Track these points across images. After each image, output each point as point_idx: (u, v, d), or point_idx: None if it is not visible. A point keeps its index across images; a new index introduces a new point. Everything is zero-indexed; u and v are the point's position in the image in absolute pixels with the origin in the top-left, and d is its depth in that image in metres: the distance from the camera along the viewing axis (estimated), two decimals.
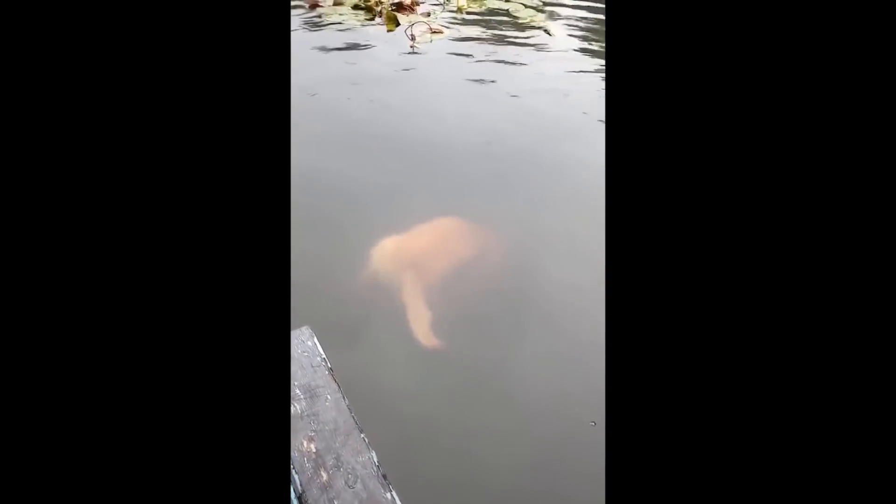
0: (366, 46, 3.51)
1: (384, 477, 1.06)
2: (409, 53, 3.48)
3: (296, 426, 1.14)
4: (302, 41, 3.50)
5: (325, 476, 1.06)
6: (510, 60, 3.51)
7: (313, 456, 1.09)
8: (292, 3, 3.93)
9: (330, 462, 1.08)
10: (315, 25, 3.71)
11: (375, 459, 1.08)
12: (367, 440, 1.12)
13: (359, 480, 1.05)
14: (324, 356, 1.27)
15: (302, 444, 1.10)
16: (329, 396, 1.19)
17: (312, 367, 1.24)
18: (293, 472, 1.07)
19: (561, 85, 3.22)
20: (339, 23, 3.73)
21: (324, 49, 3.44)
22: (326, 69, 3.20)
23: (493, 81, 3.27)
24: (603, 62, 3.61)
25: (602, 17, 4.28)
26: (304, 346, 1.28)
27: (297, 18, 3.73)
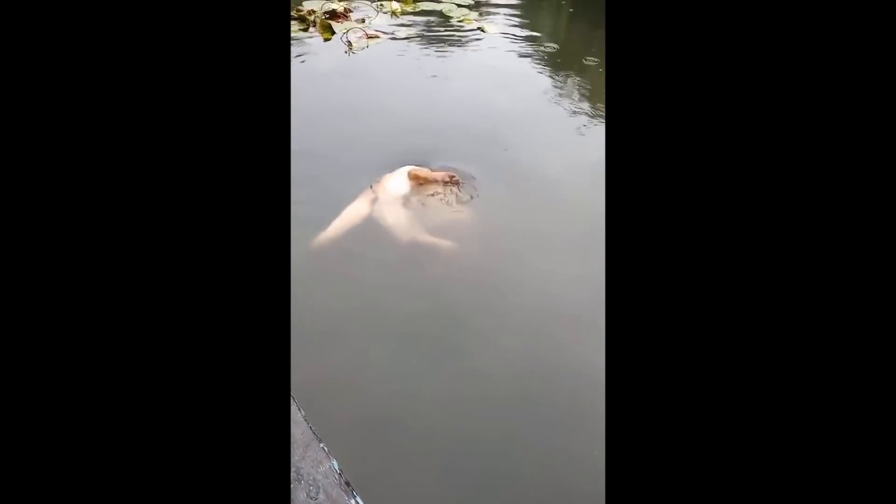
0: (302, 55, 3.47)
1: (347, 484, 1.05)
2: (347, 58, 3.47)
3: None
4: None
5: None
6: (446, 56, 3.58)
7: None
8: None
9: (291, 475, 1.06)
10: None
11: (337, 467, 1.07)
12: (326, 449, 1.10)
13: (321, 491, 1.04)
14: None
15: None
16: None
17: None
18: None
19: (495, 75, 3.35)
20: None
21: None
22: None
23: (433, 76, 3.35)
24: (531, 55, 3.72)
25: (526, 17, 4.40)
26: None
27: None
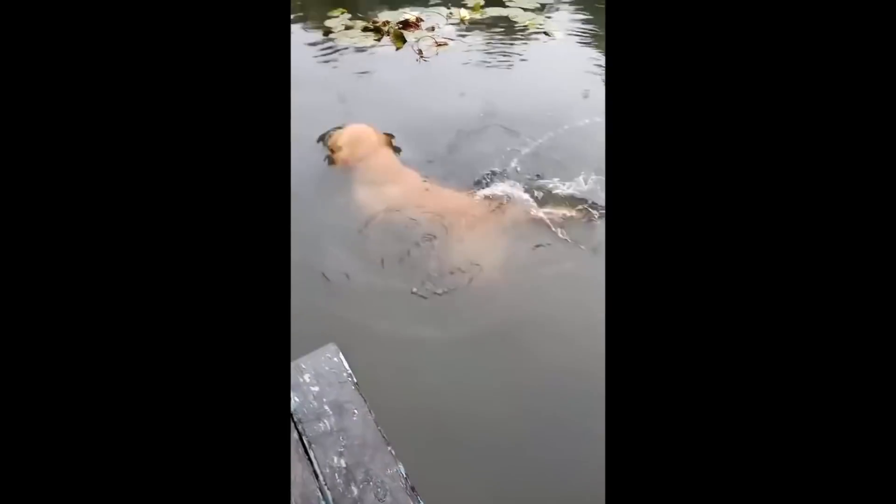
0: (373, 65, 3.58)
1: (413, 489, 1.07)
2: (418, 65, 3.54)
3: (325, 442, 1.16)
4: (313, 64, 3.60)
5: (355, 491, 1.07)
6: (514, 61, 3.58)
7: (343, 471, 1.11)
8: (307, 30, 4.03)
9: (360, 477, 1.09)
10: (328, 49, 3.81)
11: (403, 472, 1.09)
12: (394, 453, 1.13)
13: (388, 493, 1.06)
14: (349, 372, 1.29)
15: (332, 461, 1.12)
16: (356, 411, 1.20)
17: (339, 383, 1.26)
18: (325, 488, 1.09)
19: (560, 77, 3.34)
20: (347, 47, 3.81)
21: (340, 70, 3.54)
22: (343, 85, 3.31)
23: (498, 79, 3.38)
24: (598, 57, 3.63)
25: (601, 19, 4.29)
26: (331, 362, 1.31)
27: (312, 49, 3.83)
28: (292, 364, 1.31)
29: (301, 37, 3.94)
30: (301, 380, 1.27)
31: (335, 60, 3.68)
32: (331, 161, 2.51)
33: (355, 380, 1.27)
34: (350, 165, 2.44)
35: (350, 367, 1.30)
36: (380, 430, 1.16)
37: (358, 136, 2.55)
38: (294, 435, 1.17)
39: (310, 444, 1.15)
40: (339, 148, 2.50)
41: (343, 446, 1.14)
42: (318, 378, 1.28)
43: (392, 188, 2.32)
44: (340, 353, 1.33)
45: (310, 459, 1.13)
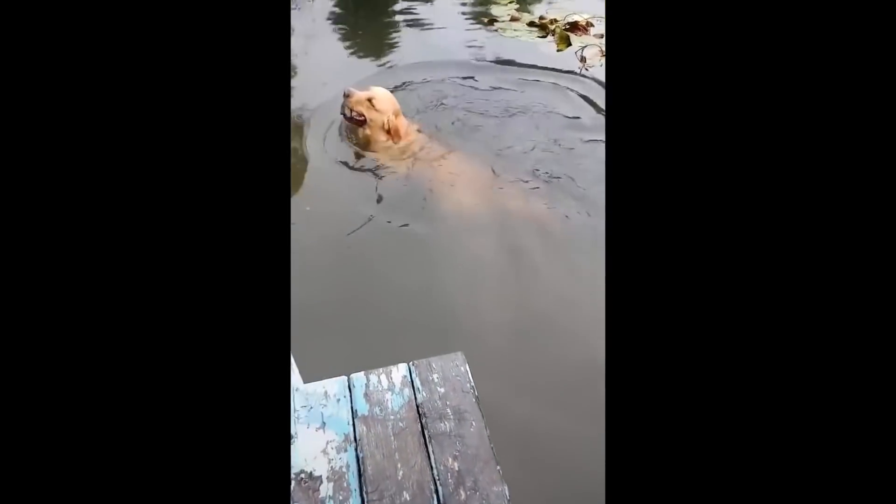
0: (529, 64, 3.60)
1: None
2: (579, 75, 3.52)
3: (443, 442, 1.32)
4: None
5: (463, 495, 1.23)
6: None
7: (455, 473, 1.27)
8: (484, 18, 4.11)
9: (469, 483, 1.25)
10: (493, 34, 3.90)
11: (507, 493, 1.23)
12: (500, 472, 1.27)
13: None
14: (472, 384, 1.44)
15: (447, 461, 1.29)
16: (474, 423, 1.35)
17: (462, 391, 1.42)
18: (438, 482, 1.25)
19: None
20: (515, 38, 3.87)
21: (496, 60, 3.62)
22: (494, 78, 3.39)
23: None
24: None
25: None
26: (458, 370, 1.46)
27: (481, 31, 3.94)
28: (423, 361, 1.48)
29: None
30: (430, 377, 1.44)
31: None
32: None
33: (476, 393, 1.42)
34: None
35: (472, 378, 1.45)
36: (492, 448, 1.31)
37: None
38: (417, 426, 1.35)
39: (430, 438, 1.32)
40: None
41: (458, 451, 1.30)
42: (444, 381, 1.44)
43: None
44: (467, 364, 1.48)
45: (428, 453, 1.30)
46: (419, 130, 2.89)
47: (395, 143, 2.76)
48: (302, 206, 2.43)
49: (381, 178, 2.64)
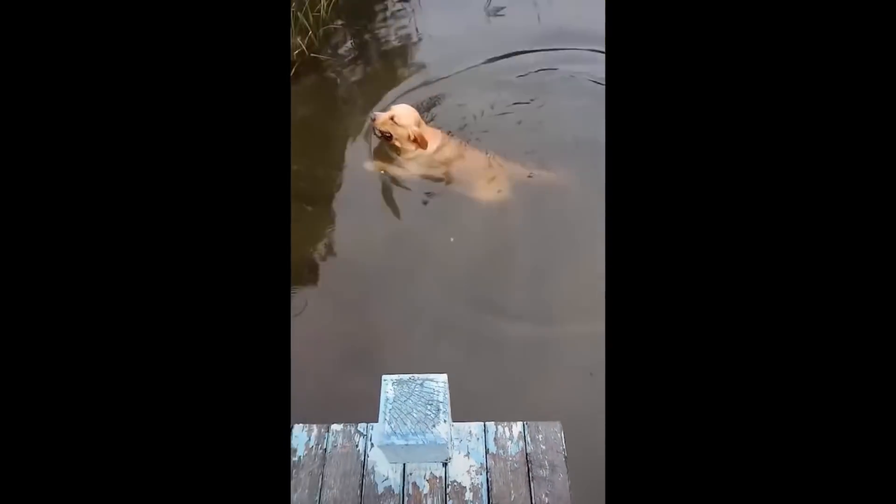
0: None
1: None
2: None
3: (540, 483, 2.09)
4: None
5: None
6: None
7: None
8: None
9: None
10: None
11: None
12: None
13: None
14: (564, 448, 2.19)
15: (542, 496, 2.06)
16: (561, 475, 2.11)
17: (556, 451, 2.18)
18: None
19: None
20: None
21: None
22: None
23: None
24: None
25: None
26: (555, 435, 2.22)
27: None
28: (533, 423, 2.25)
29: None
30: (537, 437, 2.22)
31: None
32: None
33: (566, 454, 2.17)
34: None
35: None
36: (571, 493, 2.06)
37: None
38: (525, 468, 2.13)
39: (532, 478, 2.10)
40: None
41: (548, 491, 2.07)
42: (545, 440, 2.21)
43: None
44: (562, 433, 2.23)
45: (529, 488, 2.08)
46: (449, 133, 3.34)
47: (424, 151, 3.20)
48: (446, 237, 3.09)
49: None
